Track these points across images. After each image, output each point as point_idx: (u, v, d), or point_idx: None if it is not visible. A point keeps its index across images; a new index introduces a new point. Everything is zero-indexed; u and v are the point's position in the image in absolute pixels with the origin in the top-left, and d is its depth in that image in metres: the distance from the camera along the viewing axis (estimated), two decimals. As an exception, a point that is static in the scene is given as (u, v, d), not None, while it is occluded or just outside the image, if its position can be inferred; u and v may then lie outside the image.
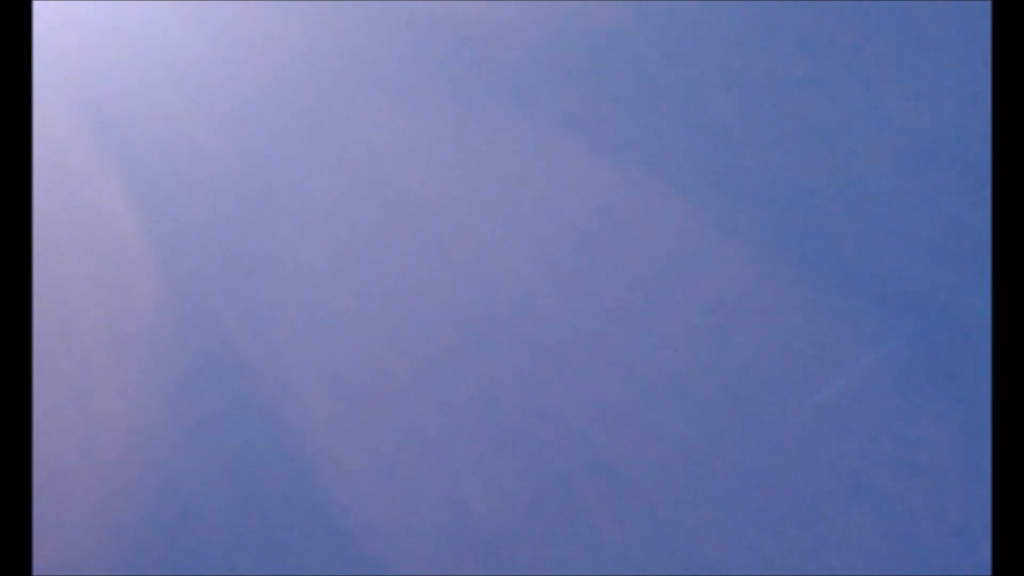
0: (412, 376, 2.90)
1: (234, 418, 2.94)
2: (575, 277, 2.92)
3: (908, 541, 2.53)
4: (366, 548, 2.75)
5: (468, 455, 2.80)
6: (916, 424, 2.63)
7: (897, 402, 2.67)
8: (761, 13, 2.97)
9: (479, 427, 2.83)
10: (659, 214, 2.92)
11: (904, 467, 2.60)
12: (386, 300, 2.99)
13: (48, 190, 3.15)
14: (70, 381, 3.03)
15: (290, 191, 3.10)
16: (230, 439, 2.93)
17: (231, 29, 3.22)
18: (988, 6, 2.85)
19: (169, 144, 3.17)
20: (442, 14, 3.12)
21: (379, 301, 2.99)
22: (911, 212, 2.82)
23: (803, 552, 2.55)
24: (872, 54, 2.92)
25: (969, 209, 2.76)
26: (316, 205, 3.09)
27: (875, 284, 2.79)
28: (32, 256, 2.97)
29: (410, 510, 2.77)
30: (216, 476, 2.90)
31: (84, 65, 3.26)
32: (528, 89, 3.06)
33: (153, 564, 2.83)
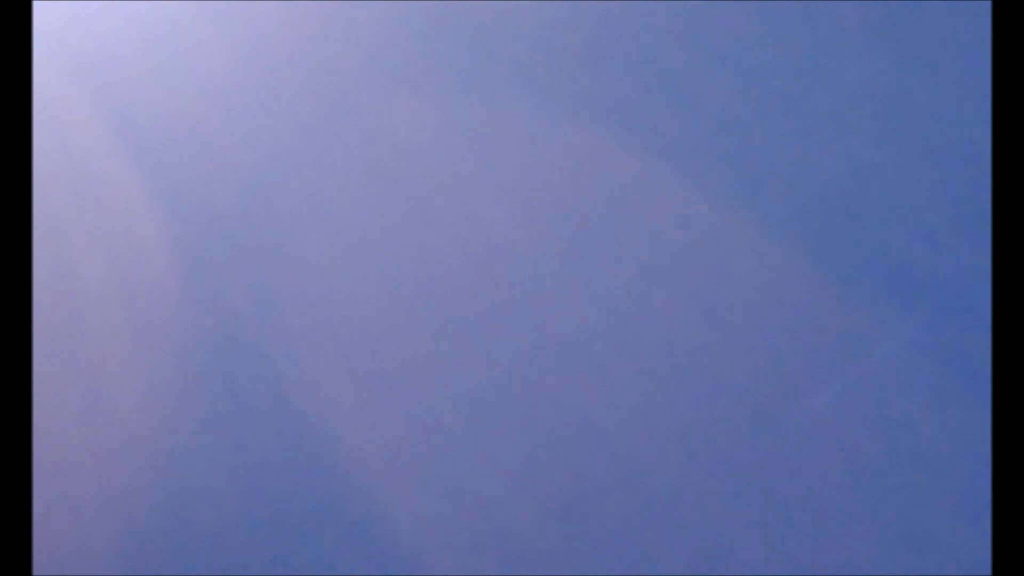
0: (427, 368, 2.90)
1: (246, 411, 2.94)
2: (589, 268, 2.92)
3: (909, 540, 2.53)
4: (380, 542, 2.75)
5: (481, 449, 2.80)
6: (925, 419, 2.63)
7: (905, 397, 2.67)
8: (774, 7, 2.98)
9: (495, 420, 2.83)
10: (671, 204, 2.92)
11: (908, 463, 2.60)
12: (401, 292, 2.99)
13: (60, 182, 3.15)
14: (81, 374, 3.02)
15: (304, 183, 3.10)
16: (242, 432, 2.92)
17: (242, 21, 3.22)
18: (988, 6, 2.86)
19: (180, 136, 3.18)
20: (453, 4, 3.12)
21: (394, 292, 2.99)
22: (923, 203, 2.82)
23: (807, 551, 2.55)
24: (880, 48, 2.93)
25: (982, 199, 2.76)
26: (330, 196, 3.09)
27: (892, 276, 2.79)
28: (32, 248, 2.97)
29: (425, 503, 2.76)
30: (228, 470, 2.89)
31: (95, 58, 3.26)
32: (542, 79, 3.06)
33: (161, 562, 2.83)
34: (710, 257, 2.90)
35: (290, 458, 2.88)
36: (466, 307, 2.96)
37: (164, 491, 2.89)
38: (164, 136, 3.20)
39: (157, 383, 3.00)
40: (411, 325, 2.97)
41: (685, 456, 2.70)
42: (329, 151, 3.13)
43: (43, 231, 3.10)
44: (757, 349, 2.79)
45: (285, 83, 3.18)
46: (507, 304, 2.95)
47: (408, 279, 3.00)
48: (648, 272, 2.91)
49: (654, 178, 2.97)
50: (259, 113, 3.17)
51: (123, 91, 3.24)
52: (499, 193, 3.02)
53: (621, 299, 2.89)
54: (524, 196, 3.02)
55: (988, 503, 2.52)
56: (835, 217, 2.88)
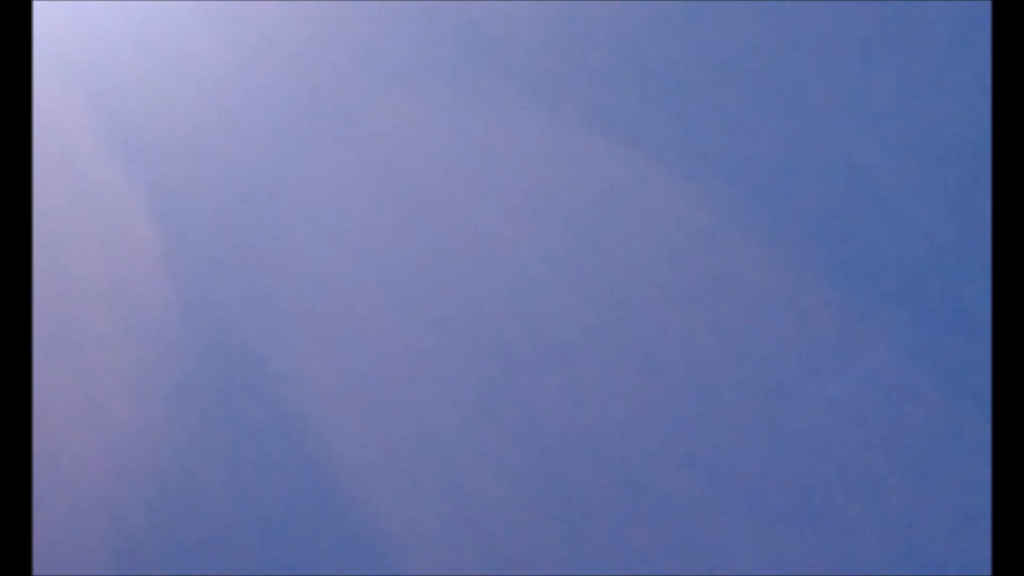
0: (421, 371, 2.90)
1: (240, 414, 2.94)
2: (585, 271, 2.92)
3: (909, 540, 2.53)
4: (374, 545, 2.75)
5: (477, 451, 2.80)
6: (924, 421, 2.63)
7: (904, 398, 2.67)
8: (772, 10, 2.98)
9: (489, 423, 2.83)
10: (670, 207, 2.92)
11: (908, 464, 2.60)
12: (396, 294, 2.98)
13: (55, 185, 3.15)
14: (76, 377, 3.02)
15: (299, 185, 3.10)
16: (236, 435, 2.92)
17: (238, 22, 3.22)
18: (988, 6, 2.86)
19: (175, 138, 3.17)
20: (450, 6, 3.12)
21: (388, 295, 2.99)
22: (921, 207, 2.82)
23: (806, 551, 2.55)
24: (879, 50, 2.93)
25: (980, 203, 2.77)
26: (324, 199, 3.09)
27: (887, 280, 2.79)
28: (32, 250, 2.97)
29: (419, 507, 2.76)
30: (222, 472, 2.89)
31: (91, 59, 3.26)
32: (540, 82, 3.06)
33: (158, 562, 2.82)
34: (707, 260, 2.90)
35: (286, 460, 2.88)
36: (463, 309, 2.96)
37: (160, 493, 2.89)
38: (159, 138, 3.20)
39: (152, 385, 3.00)
40: (407, 327, 2.97)
41: (684, 458, 2.70)
42: (326, 153, 3.13)
43: (38, 233, 3.10)
44: (756, 352, 2.79)
45: (281, 85, 3.18)
46: (504, 306, 2.95)
47: (405, 281, 3.00)
48: (645, 275, 2.91)
49: (653, 181, 2.97)
50: (256, 115, 3.17)
51: (118, 92, 3.24)
52: (496, 195, 3.03)
53: (618, 301, 2.89)
54: (521, 199, 3.02)
55: (988, 503, 2.52)
56: (834, 219, 2.88)
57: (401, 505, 2.79)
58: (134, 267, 3.11)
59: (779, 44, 2.99)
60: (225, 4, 3.22)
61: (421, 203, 3.05)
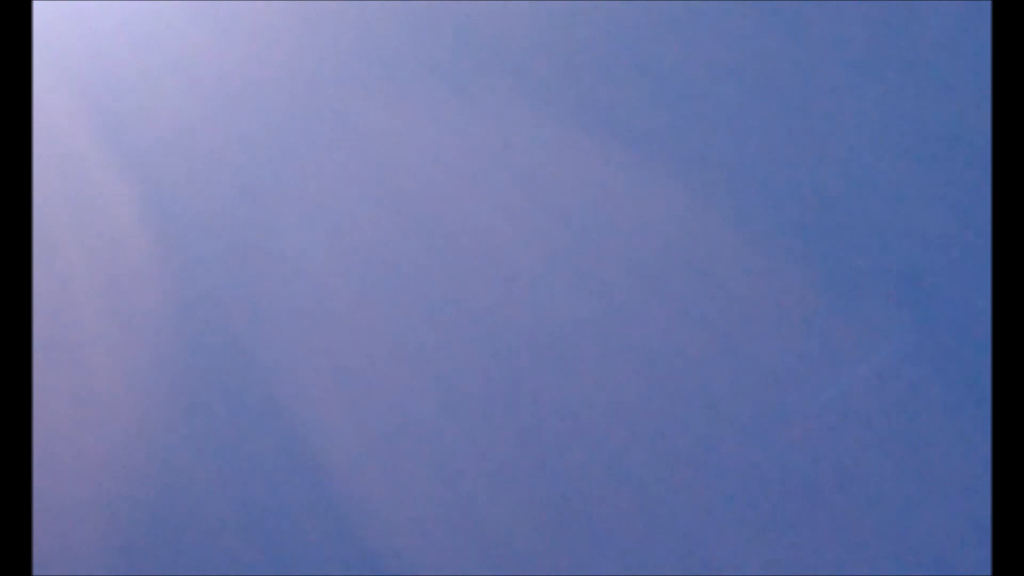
0: (417, 371, 2.90)
1: (236, 413, 2.94)
2: (582, 272, 2.92)
3: (909, 540, 2.53)
4: (373, 545, 2.75)
5: (476, 451, 2.80)
6: (922, 422, 2.63)
7: (902, 399, 2.67)
8: (772, 10, 2.98)
9: (484, 423, 2.83)
10: (665, 208, 2.92)
11: (908, 465, 2.60)
12: (391, 295, 2.99)
13: (50, 184, 3.15)
14: (72, 376, 3.02)
15: (296, 184, 3.10)
16: (232, 434, 2.92)
17: (233, 22, 3.22)
18: (988, 6, 2.86)
19: (170, 138, 3.18)
20: (446, 7, 3.12)
21: (384, 296, 2.99)
22: (922, 207, 2.82)
23: (806, 551, 2.55)
24: (879, 51, 2.93)
25: (978, 204, 2.77)
26: (321, 198, 3.09)
27: (885, 281, 2.79)
28: (32, 250, 2.97)
29: (419, 508, 2.76)
30: (218, 472, 2.89)
31: (87, 59, 3.26)
32: (537, 81, 3.06)
33: (158, 562, 2.82)
34: (707, 261, 2.90)
35: (285, 459, 2.88)
36: (459, 310, 2.96)
37: (158, 492, 2.89)
38: (156, 137, 3.20)
39: (150, 384, 3.00)
40: (405, 326, 2.97)
41: (683, 459, 2.70)
42: (322, 152, 3.13)
43: (34, 232, 3.10)
44: (756, 352, 2.79)
45: (276, 86, 3.18)
46: (501, 307, 2.95)
47: (402, 280, 3.00)
48: (645, 275, 2.91)
49: (652, 181, 2.97)
50: (253, 114, 3.17)
51: (113, 93, 3.24)
52: (495, 195, 3.03)
53: (617, 302, 2.89)
54: (520, 198, 3.02)
55: (988, 503, 2.52)
56: (834, 219, 2.88)
57: (402, 505, 2.79)
58: (131, 266, 3.11)
59: (779, 44, 2.99)
60: (222, 4, 3.22)
61: (418, 202, 3.05)
